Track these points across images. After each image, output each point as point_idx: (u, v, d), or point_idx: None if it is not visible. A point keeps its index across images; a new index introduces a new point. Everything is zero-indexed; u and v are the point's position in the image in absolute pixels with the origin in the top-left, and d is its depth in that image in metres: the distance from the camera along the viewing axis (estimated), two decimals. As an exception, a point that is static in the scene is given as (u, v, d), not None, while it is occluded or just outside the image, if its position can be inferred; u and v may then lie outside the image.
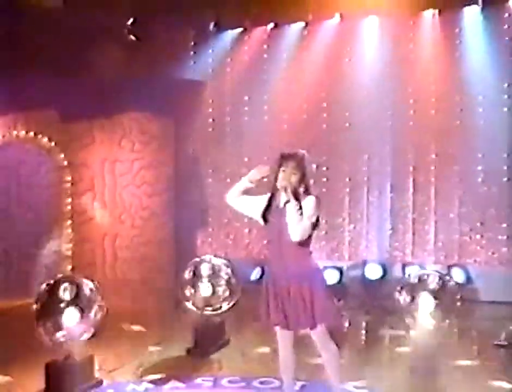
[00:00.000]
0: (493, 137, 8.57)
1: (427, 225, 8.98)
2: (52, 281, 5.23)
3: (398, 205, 9.09)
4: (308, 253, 4.41)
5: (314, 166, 7.02)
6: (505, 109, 8.61)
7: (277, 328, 4.53)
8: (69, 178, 9.06)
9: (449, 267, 8.67)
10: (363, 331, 7.65)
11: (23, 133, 8.88)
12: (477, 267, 8.70)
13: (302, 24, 9.31)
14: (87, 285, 5.39)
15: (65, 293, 5.23)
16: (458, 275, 8.55)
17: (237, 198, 4.49)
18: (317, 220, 4.37)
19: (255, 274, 9.07)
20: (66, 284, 5.24)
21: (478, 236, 8.75)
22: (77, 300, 5.28)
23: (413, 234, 9.04)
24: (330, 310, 4.43)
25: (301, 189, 4.35)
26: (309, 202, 4.30)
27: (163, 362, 6.06)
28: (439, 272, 5.97)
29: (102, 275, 9.01)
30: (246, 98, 9.57)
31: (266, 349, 6.06)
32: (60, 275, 5.38)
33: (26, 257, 8.61)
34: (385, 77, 8.97)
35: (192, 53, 9.69)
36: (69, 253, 8.98)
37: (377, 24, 9.08)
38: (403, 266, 8.80)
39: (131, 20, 9.27)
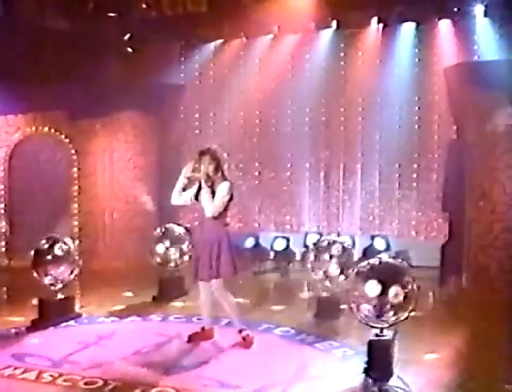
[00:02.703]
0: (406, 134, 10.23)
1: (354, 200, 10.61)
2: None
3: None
4: (221, 224, 5.95)
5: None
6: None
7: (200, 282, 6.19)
8: (77, 164, 10.33)
9: (372, 237, 10.27)
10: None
11: (40, 128, 10.33)
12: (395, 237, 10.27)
13: (270, 36, 10.80)
14: (68, 243, 7.03)
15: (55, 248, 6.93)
16: (379, 244, 10.13)
17: (178, 198, 5.97)
18: (231, 199, 5.94)
19: (249, 242, 10.77)
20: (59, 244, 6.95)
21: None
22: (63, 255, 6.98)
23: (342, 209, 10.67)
24: (231, 268, 5.90)
25: (219, 174, 5.91)
26: (222, 187, 5.91)
27: (132, 305, 7.74)
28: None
29: (103, 242, 10.46)
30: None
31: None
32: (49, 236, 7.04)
33: (45, 228, 9.27)
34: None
35: (178, 61, 11.16)
36: (76, 224, 10.29)
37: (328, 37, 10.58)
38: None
39: (128, 35, 10.69)
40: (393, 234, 10.41)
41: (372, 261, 5.26)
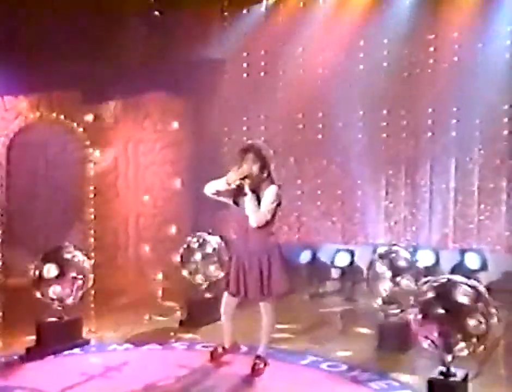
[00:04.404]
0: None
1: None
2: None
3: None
4: (268, 234, 6.22)
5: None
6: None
7: (225, 294, 6.47)
8: (92, 158, 10.57)
9: (462, 252, 10.29)
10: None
11: (46, 114, 10.35)
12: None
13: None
14: (77, 257, 7.31)
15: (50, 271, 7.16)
16: (472, 260, 10.08)
17: (213, 193, 6.28)
18: (279, 205, 6.17)
19: (305, 257, 10.98)
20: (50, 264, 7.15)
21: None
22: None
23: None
24: (283, 284, 6.21)
25: (264, 175, 6.13)
26: (269, 192, 6.13)
27: (153, 331, 7.99)
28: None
29: (123, 254, 10.83)
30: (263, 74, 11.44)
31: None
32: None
33: (52, 238, 9.70)
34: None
35: (219, 29, 11.36)
36: (91, 232, 10.52)
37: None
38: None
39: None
40: (492, 248, 10.37)
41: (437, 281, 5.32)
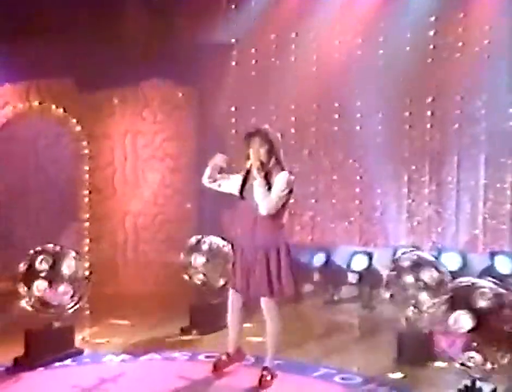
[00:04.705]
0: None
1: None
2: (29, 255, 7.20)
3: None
4: (278, 226, 6.31)
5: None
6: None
7: (231, 292, 6.57)
8: (87, 152, 10.56)
9: (492, 254, 10.29)
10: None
11: (37, 103, 10.22)
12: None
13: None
14: (68, 256, 7.35)
15: (41, 264, 7.21)
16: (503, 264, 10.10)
17: (213, 182, 6.50)
18: (291, 193, 6.23)
19: (318, 259, 10.94)
20: (42, 256, 7.21)
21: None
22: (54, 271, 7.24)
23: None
24: (291, 284, 6.29)
25: (272, 161, 6.22)
26: (280, 178, 6.20)
27: (152, 340, 8.03)
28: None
29: (121, 257, 10.83)
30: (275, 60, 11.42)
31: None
32: (38, 248, 7.31)
33: (43, 239, 9.12)
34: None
35: (226, 10, 11.34)
36: (86, 233, 10.57)
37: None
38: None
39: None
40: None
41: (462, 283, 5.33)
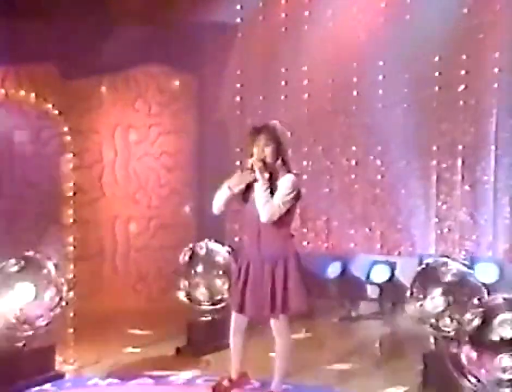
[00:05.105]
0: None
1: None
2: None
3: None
4: (285, 236, 6.27)
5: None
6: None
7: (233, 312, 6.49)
8: (72, 148, 10.37)
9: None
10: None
11: (14, 92, 10.04)
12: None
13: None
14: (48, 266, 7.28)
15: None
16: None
17: (221, 209, 6.30)
18: (297, 198, 6.18)
19: (333, 269, 10.92)
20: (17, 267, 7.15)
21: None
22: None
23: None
24: (302, 299, 6.22)
25: (279, 162, 6.19)
26: (284, 181, 6.16)
27: (144, 361, 8.00)
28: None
29: (110, 266, 10.84)
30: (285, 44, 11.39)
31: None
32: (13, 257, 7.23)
33: (20, 246, 9.16)
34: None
35: None
36: (70, 240, 10.32)
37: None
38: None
39: None
40: None
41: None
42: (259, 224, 6.18)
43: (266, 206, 6.07)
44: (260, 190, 6.10)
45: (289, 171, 6.24)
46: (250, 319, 6.48)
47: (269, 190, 6.10)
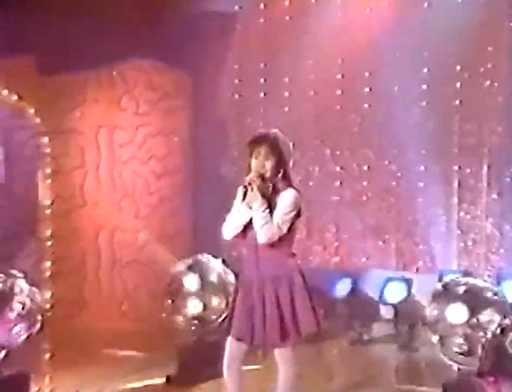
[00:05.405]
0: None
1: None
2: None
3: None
4: (287, 255, 6.13)
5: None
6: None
7: (229, 339, 6.27)
8: (49, 151, 10.36)
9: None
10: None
11: None
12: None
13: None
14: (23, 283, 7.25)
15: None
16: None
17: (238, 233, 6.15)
18: (299, 215, 6.07)
19: (342, 287, 10.81)
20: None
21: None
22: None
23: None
24: (312, 319, 6.07)
25: (279, 176, 6.05)
26: (285, 198, 6.02)
27: (130, 390, 7.99)
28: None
29: (93, 284, 10.77)
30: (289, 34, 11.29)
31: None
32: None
33: None
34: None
35: None
36: (48, 254, 10.29)
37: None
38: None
39: None
40: None
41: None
42: (257, 243, 6.06)
43: (264, 228, 5.96)
44: (258, 210, 5.97)
45: (290, 185, 6.11)
46: (251, 347, 6.31)
47: (268, 210, 5.98)
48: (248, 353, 6.29)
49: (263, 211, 5.94)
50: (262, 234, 5.94)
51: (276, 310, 6.03)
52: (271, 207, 5.98)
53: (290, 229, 6.05)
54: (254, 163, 6.00)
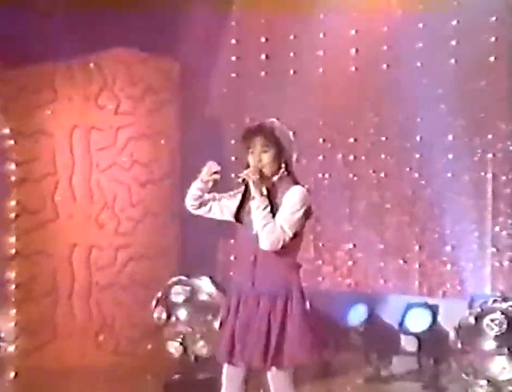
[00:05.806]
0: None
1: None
2: None
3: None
4: (289, 266, 5.97)
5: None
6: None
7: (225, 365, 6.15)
8: (14, 156, 10.49)
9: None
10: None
11: None
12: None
13: None
14: None
15: None
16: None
17: (199, 207, 6.17)
18: (307, 216, 5.92)
19: (357, 314, 10.59)
20: None
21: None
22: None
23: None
24: (302, 349, 5.88)
25: (281, 171, 5.94)
26: (290, 196, 5.87)
27: None
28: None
29: (66, 310, 10.61)
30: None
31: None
32: None
33: None
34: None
35: None
36: (12, 275, 10.41)
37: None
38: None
39: None
40: None
41: None
42: (256, 250, 5.93)
43: (266, 230, 5.81)
44: (257, 209, 5.85)
45: (295, 182, 5.98)
46: (248, 371, 6.15)
47: (269, 209, 5.84)
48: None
49: (262, 210, 5.80)
50: (264, 237, 5.80)
51: (265, 330, 5.89)
52: (273, 209, 5.86)
53: (295, 234, 5.91)
54: (251, 158, 5.91)
